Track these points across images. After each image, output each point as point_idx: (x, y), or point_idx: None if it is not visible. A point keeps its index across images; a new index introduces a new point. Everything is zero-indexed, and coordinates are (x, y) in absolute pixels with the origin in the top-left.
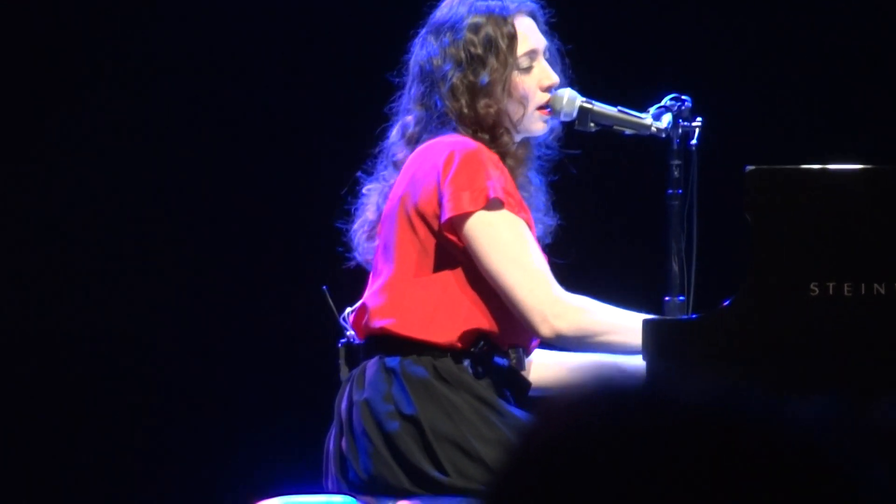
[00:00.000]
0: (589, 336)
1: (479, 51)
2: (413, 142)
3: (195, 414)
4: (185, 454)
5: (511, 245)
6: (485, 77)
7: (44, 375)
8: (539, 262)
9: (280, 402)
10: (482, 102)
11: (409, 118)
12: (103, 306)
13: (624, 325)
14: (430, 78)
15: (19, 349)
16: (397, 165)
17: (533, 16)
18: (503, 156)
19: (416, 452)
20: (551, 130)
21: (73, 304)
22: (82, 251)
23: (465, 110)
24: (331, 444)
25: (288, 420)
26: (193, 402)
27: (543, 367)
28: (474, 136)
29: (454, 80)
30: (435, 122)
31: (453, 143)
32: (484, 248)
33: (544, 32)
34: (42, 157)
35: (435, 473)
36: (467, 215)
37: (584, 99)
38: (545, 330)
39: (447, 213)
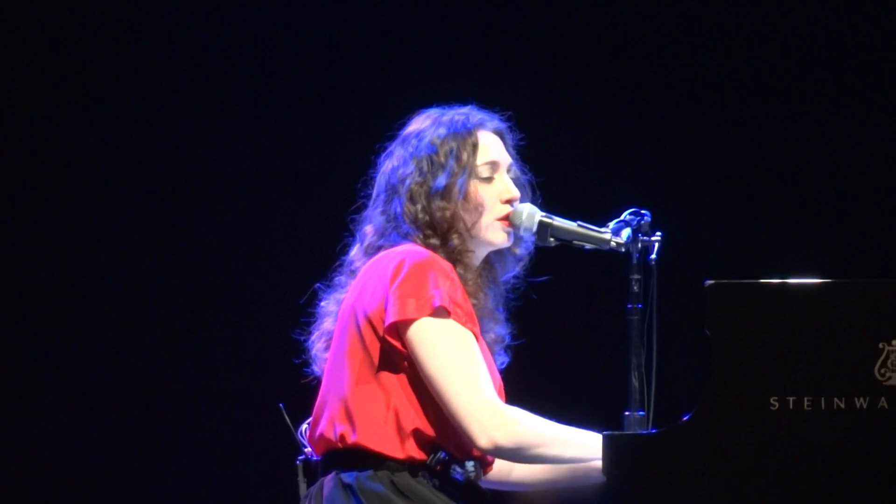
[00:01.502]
0: (526, 448)
1: (440, 157)
2: (371, 250)
3: None
4: None
5: (452, 354)
6: (441, 180)
7: None
8: (480, 373)
9: None
10: (437, 205)
11: (369, 227)
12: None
13: (561, 437)
14: (391, 185)
15: None
16: (354, 273)
17: (500, 134)
18: (454, 262)
19: None
20: (519, 259)
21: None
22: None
23: (420, 214)
24: None
25: None
26: None
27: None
28: (426, 240)
29: (413, 184)
30: (391, 227)
31: (404, 252)
32: (425, 356)
33: (511, 155)
34: None
35: None
36: (411, 321)
37: (543, 214)
38: (483, 441)
39: (391, 318)
